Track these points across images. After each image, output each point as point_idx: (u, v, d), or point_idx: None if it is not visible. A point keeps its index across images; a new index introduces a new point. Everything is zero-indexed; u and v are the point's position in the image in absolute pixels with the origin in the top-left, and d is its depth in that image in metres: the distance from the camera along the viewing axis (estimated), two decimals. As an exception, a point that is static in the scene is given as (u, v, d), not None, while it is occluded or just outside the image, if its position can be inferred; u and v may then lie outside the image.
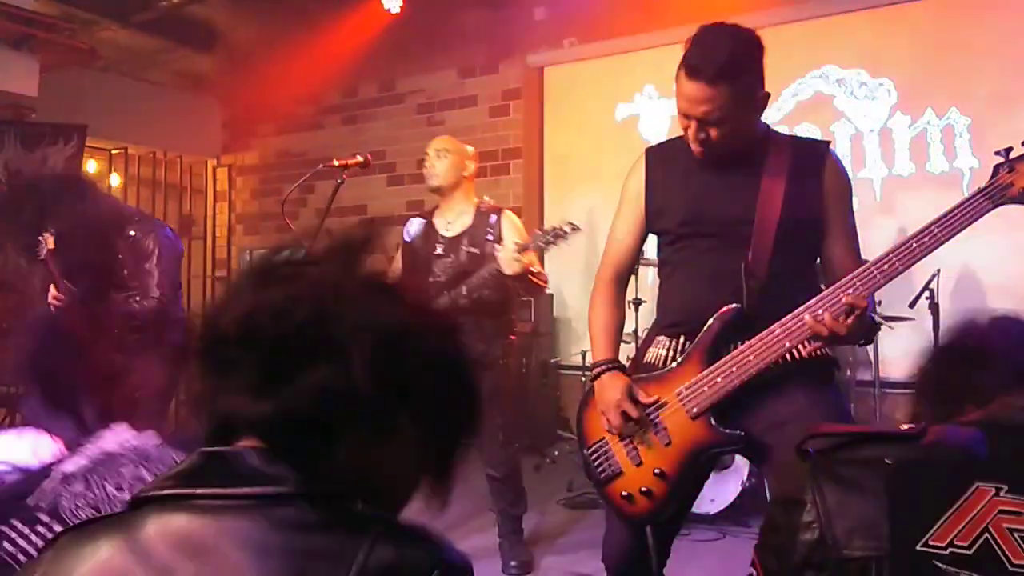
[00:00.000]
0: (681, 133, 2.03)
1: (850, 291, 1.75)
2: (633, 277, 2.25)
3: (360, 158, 3.11)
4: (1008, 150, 1.72)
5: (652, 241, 2.16)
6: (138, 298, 3.25)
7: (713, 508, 3.84)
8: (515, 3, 5.86)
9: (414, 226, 3.58)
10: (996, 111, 4.51)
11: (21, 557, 1.10)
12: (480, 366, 3.38)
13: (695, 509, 3.70)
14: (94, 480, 1.21)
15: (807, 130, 4.95)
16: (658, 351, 2.02)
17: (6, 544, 1.12)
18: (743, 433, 1.87)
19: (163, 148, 7.10)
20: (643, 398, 1.95)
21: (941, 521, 0.81)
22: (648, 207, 2.07)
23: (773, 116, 5.06)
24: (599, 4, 5.55)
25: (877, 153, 4.93)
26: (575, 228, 3.12)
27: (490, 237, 3.34)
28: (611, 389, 1.97)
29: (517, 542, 3.49)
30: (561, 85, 6.05)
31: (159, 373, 3.38)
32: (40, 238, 3.14)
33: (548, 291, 5.12)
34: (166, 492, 0.79)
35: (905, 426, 0.93)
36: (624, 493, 1.96)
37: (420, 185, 6.49)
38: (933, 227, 1.72)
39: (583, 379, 2.06)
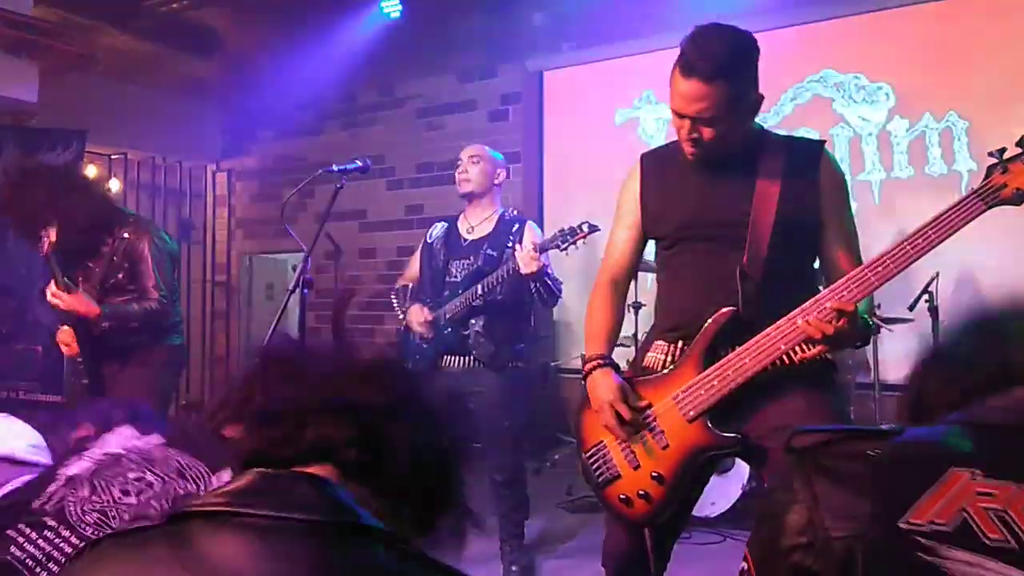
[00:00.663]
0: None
1: (843, 294, 1.75)
2: (633, 281, 2.24)
3: (359, 163, 3.11)
4: (1002, 151, 1.72)
5: (652, 245, 2.16)
6: (136, 300, 3.25)
7: (714, 511, 3.85)
8: (514, 8, 5.87)
9: (437, 229, 3.61)
10: (994, 114, 4.52)
11: (29, 561, 1.09)
12: (492, 368, 3.38)
13: (696, 512, 3.69)
14: (99, 484, 1.21)
15: (806, 134, 4.95)
16: (656, 355, 2.03)
17: (13, 548, 1.11)
18: (740, 436, 1.87)
19: (163, 153, 7.11)
20: (639, 401, 1.95)
21: (919, 501, 0.84)
22: (644, 213, 2.07)
23: (772, 120, 5.07)
24: (598, 8, 5.55)
25: (876, 156, 4.93)
26: (593, 228, 3.10)
27: (511, 243, 3.34)
28: (603, 387, 1.97)
29: (518, 546, 3.49)
30: (560, 89, 6.06)
31: (158, 375, 3.39)
32: (42, 232, 3.15)
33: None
34: (216, 508, 0.80)
35: (885, 426, 0.97)
36: (622, 496, 1.96)
37: (419, 189, 6.54)
38: (927, 229, 1.72)
39: (583, 382, 2.08)
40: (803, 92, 5.14)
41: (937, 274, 4.08)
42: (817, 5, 5.08)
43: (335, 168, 3.09)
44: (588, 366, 2.05)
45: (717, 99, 1.81)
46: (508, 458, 3.40)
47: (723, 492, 3.85)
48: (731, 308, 1.88)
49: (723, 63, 1.80)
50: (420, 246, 3.67)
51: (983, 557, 0.80)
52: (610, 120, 5.77)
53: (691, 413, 1.88)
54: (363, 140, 6.71)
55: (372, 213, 6.69)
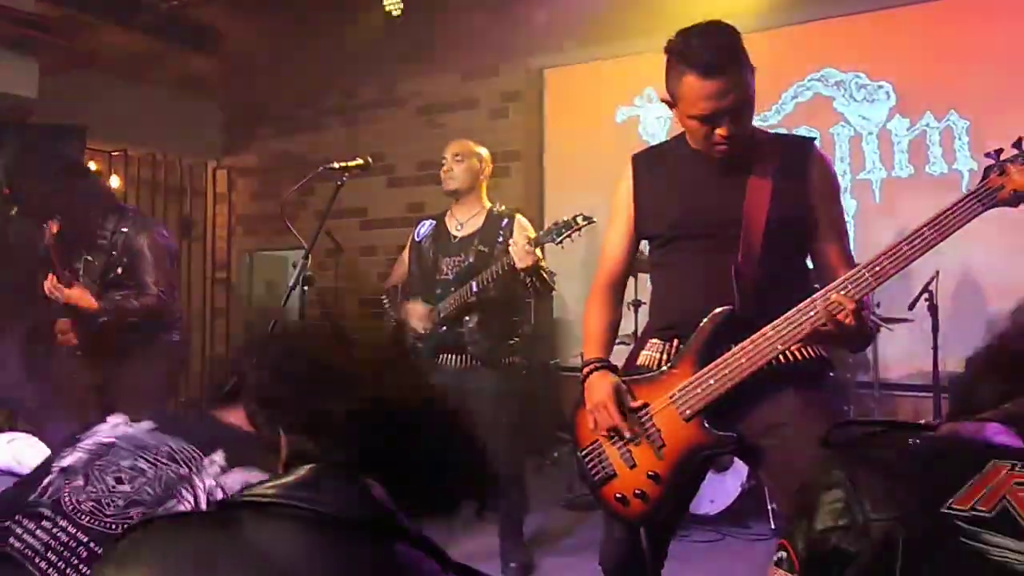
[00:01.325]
0: (676, 135, 2.03)
1: (841, 291, 1.75)
2: (633, 279, 2.26)
3: (360, 160, 3.11)
4: (999, 152, 1.72)
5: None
6: (136, 295, 3.26)
7: (712, 509, 3.85)
8: (515, 6, 5.86)
9: (424, 227, 3.60)
10: (995, 113, 4.51)
11: (28, 552, 1.10)
12: (488, 366, 3.39)
13: (694, 510, 3.71)
14: (93, 474, 1.22)
15: (806, 132, 4.95)
16: (651, 354, 2.03)
17: (12, 540, 1.12)
18: (736, 435, 1.87)
19: (163, 150, 7.10)
20: (634, 400, 1.95)
21: (963, 489, 0.86)
22: (637, 213, 2.07)
23: (773, 118, 5.07)
24: (599, 7, 5.55)
25: (876, 155, 4.92)
26: (588, 220, 3.11)
27: (501, 239, 3.35)
28: (599, 388, 1.98)
29: (517, 543, 3.49)
30: (561, 87, 6.06)
31: (158, 371, 3.39)
32: (45, 224, 3.15)
33: (547, 292, 5.12)
34: (267, 500, 0.83)
35: (924, 421, 1.00)
36: (618, 495, 1.96)
37: (420, 187, 6.53)
38: (924, 230, 1.72)
39: (581, 385, 2.11)
40: (804, 91, 5.14)
41: (937, 273, 4.08)
42: (818, 4, 5.08)
43: (335, 165, 3.09)
44: (586, 370, 2.06)
45: (743, 84, 1.81)
46: (508, 454, 3.41)
47: (722, 490, 3.85)
48: (727, 307, 1.88)
49: (734, 49, 1.81)
50: (408, 245, 3.67)
51: None
52: (611, 118, 5.76)
53: (687, 412, 1.88)
54: (364, 138, 6.71)
55: (373, 211, 6.69)
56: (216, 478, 1.24)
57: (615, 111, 5.76)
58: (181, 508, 1.16)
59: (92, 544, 1.15)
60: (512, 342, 3.44)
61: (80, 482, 1.23)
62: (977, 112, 4.63)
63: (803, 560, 0.95)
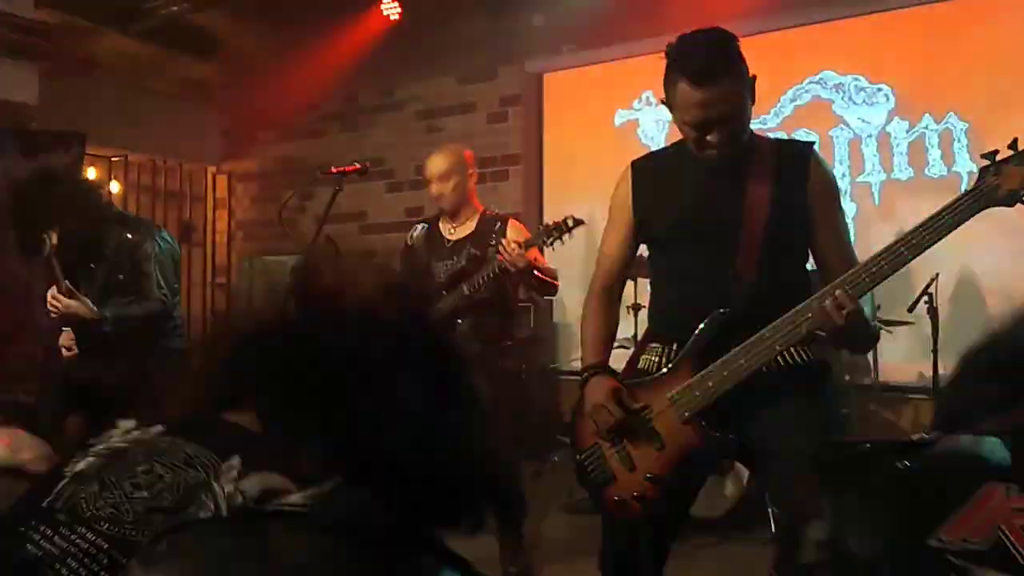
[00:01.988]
0: (675, 140, 2.04)
1: (838, 292, 1.75)
2: (632, 283, 2.26)
3: (358, 165, 3.11)
4: (995, 152, 1.73)
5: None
6: (138, 301, 3.26)
7: (713, 512, 3.83)
8: (514, 10, 5.87)
9: (417, 230, 3.59)
10: (994, 116, 4.51)
11: (46, 559, 1.10)
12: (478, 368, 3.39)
13: (693, 513, 3.70)
14: (108, 479, 1.21)
15: (806, 135, 4.95)
16: (651, 357, 2.03)
17: (29, 546, 1.12)
18: (734, 437, 1.87)
19: (163, 155, 7.11)
20: (632, 402, 1.95)
21: (954, 517, 0.81)
22: (636, 217, 2.07)
23: (772, 121, 5.07)
24: (597, 10, 5.55)
25: (875, 158, 4.92)
26: (578, 222, 3.11)
27: (494, 242, 3.35)
28: (597, 391, 1.98)
29: (517, 548, 3.49)
30: (560, 91, 6.06)
31: (160, 376, 3.39)
32: (44, 236, 3.15)
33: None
34: (294, 509, 0.83)
35: (916, 436, 0.94)
36: (617, 498, 1.97)
37: (420, 191, 6.52)
38: (920, 230, 1.72)
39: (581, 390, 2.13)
40: (803, 93, 5.14)
41: (937, 275, 4.08)
42: (817, 6, 5.08)
43: (334, 170, 3.09)
44: (585, 374, 2.06)
45: (735, 91, 1.82)
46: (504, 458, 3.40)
47: (722, 493, 3.84)
48: (726, 309, 1.88)
49: (728, 55, 1.81)
50: (401, 249, 3.66)
51: None
52: (610, 122, 5.77)
53: (686, 414, 1.88)
54: (363, 142, 6.71)
55: (372, 215, 6.69)
56: (235, 483, 1.23)
57: (614, 114, 5.76)
58: (203, 514, 1.16)
59: (114, 551, 1.14)
60: (505, 345, 3.44)
61: (95, 488, 1.22)
62: (976, 114, 4.64)
63: None
